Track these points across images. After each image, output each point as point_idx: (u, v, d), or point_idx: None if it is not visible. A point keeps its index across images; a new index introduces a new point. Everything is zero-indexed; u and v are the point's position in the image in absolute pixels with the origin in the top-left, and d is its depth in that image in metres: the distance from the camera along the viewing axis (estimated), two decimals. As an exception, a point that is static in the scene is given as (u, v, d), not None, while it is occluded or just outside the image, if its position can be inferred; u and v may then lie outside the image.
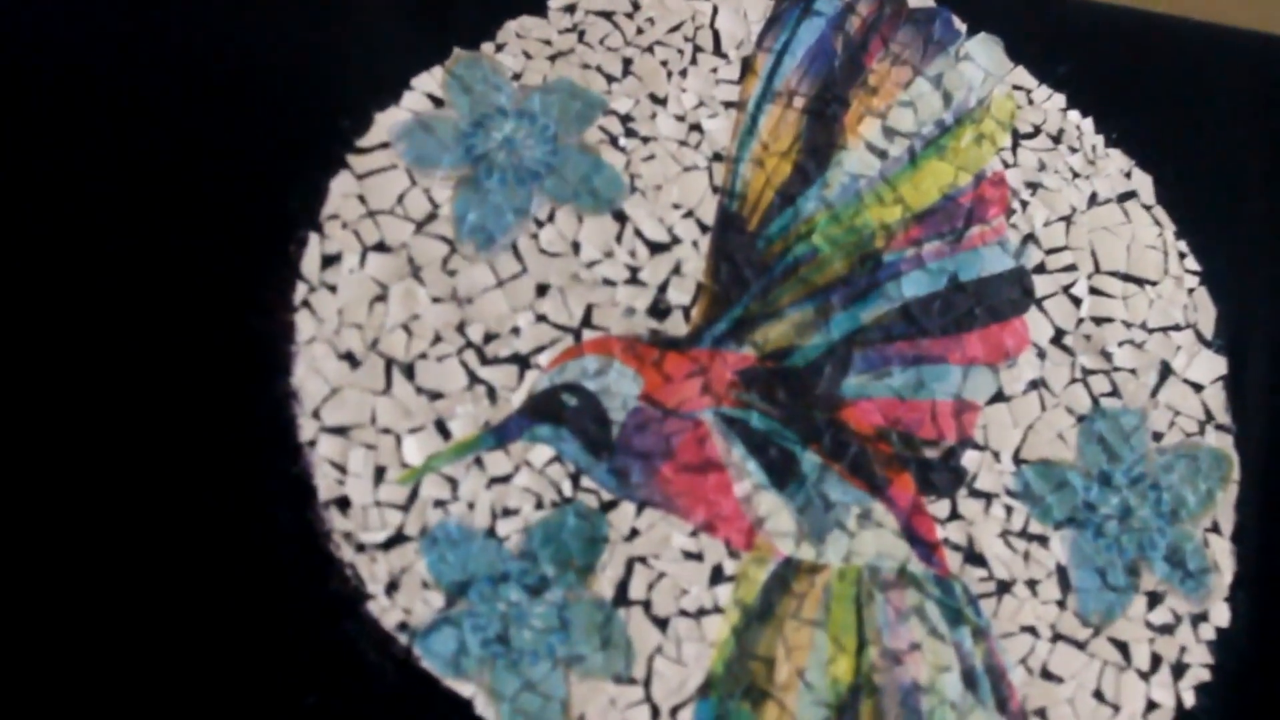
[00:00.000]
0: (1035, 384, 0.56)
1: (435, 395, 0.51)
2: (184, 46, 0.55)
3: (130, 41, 0.54)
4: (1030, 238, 0.57)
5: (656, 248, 0.54)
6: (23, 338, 0.50)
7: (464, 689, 0.48)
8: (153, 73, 0.54)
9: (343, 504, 0.49)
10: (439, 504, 0.50)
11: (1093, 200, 0.59)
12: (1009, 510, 0.53)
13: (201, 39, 0.55)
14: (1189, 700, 0.53)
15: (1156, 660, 0.53)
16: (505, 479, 0.50)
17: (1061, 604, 0.53)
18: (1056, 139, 0.59)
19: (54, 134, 0.53)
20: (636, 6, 0.58)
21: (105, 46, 0.54)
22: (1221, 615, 0.54)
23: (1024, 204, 0.58)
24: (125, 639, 0.47)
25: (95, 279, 0.51)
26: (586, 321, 0.53)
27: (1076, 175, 0.59)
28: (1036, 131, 0.59)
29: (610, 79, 0.57)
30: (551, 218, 0.53)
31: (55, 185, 0.52)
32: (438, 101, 0.54)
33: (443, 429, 0.50)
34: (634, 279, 0.54)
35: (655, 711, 0.49)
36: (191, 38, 0.55)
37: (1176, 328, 0.58)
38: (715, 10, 0.59)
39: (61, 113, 0.54)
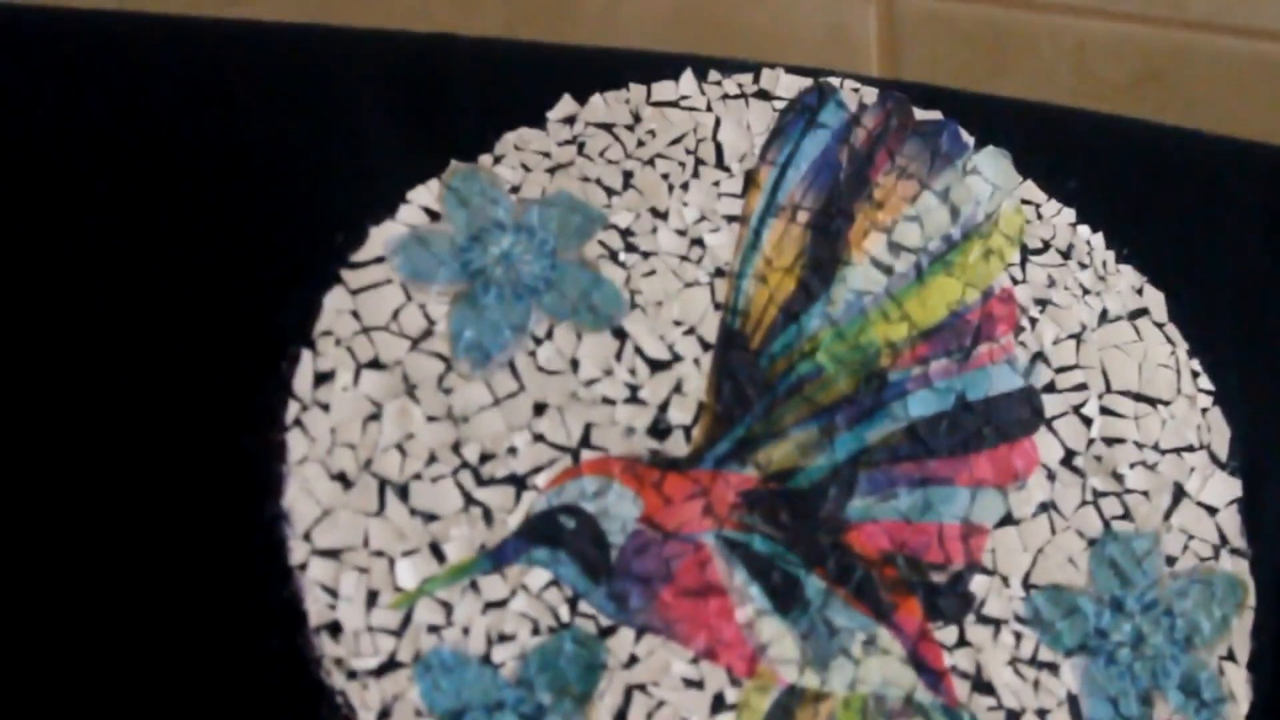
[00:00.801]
0: (1045, 506, 0.55)
1: (430, 517, 0.50)
2: (177, 158, 0.54)
3: (124, 151, 0.54)
4: (1039, 356, 0.56)
5: (657, 366, 0.53)
6: (10, 457, 0.49)
7: None
8: (145, 184, 0.54)
9: (334, 629, 0.48)
10: (433, 629, 0.48)
11: (1103, 317, 0.58)
12: (1018, 637, 0.52)
13: (194, 151, 0.55)
14: None
15: None
16: (501, 603, 0.49)
17: None
18: (1066, 254, 0.58)
19: (48, 241, 0.53)
20: (637, 119, 0.58)
21: (99, 155, 0.54)
22: None
23: (1033, 321, 0.57)
24: None
25: (84, 395, 0.50)
26: (585, 441, 0.52)
27: (1087, 292, 0.58)
28: (1046, 247, 0.58)
29: (610, 192, 0.56)
30: (550, 335, 0.53)
31: (47, 293, 0.52)
32: (434, 215, 0.54)
33: (437, 552, 0.49)
34: (634, 398, 0.53)
35: None
36: (184, 149, 0.55)
37: (1190, 449, 0.57)
38: (718, 122, 0.58)
39: (54, 222, 0.53)
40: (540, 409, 0.52)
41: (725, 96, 0.59)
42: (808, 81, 0.61)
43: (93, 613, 0.48)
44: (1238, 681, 0.53)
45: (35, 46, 0.56)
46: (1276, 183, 0.63)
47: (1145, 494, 0.55)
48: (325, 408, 0.50)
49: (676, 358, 0.53)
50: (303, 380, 0.50)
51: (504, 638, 0.49)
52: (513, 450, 0.51)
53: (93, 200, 0.53)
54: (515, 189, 0.55)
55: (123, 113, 0.55)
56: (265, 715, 0.48)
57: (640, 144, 0.57)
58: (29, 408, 0.50)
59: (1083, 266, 0.58)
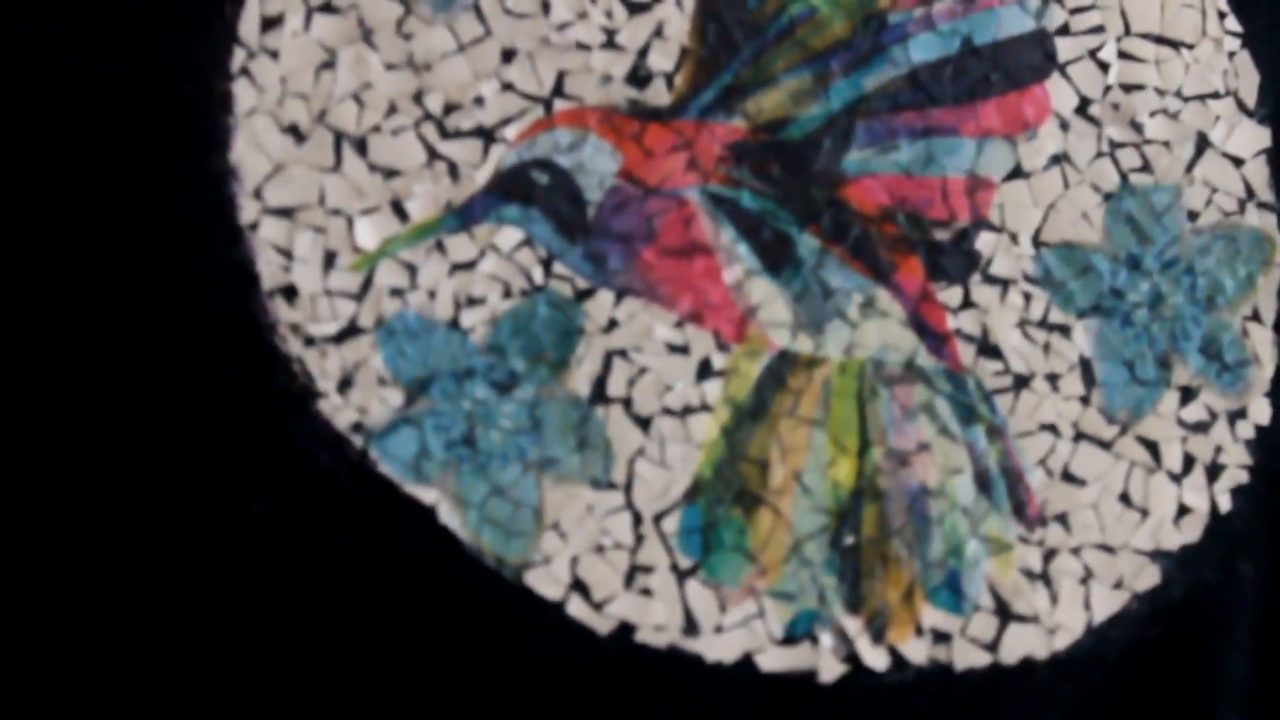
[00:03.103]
0: (1057, 158, 0.53)
1: (391, 172, 0.48)
2: None
3: None
4: None
5: (635, 7, 0.51)
6: None
7: (426, 495, 0.47)
8: None
9: (289, 293, 0.47)
10: (396, 292, 0.48)
11: None
12: (1027, 298, 0.52)
13: None
14: (1225, 504, 0.51)
15: (1190, 461, 0.52)
16: (469, 265, 0.49)
17: (1085, 400, 0.51)
18: None
19: None
20: None
21: None
22: (1262, 412, 0.52)
23: None
24: (61, 443, 0.46)
25: (25, 38, 0.48)
26: (558, 90, 0.50)
27: None
28: None
29: None
30: None
31: None
32: None
33: (399, 210, 0.48)
34: (611, 42, 0.51)
35: (637, 519, 0.48)
36: None
37: (1215, 95, 0.55)
38: None
39: None
40: (509, 55, 0.50)
41: None
42: None
43: (39, 273, 0.46)
44: (1263, 343, 0.53)
45: None
46: None
47: (1166, 144, 0.54)
48: (274, 55, 0.48)
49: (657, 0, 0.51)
50: (248, 24, 0.48)
51: (473, 301, 0.48)
52: (479, 100, 0.49)
53: None
54: None
55: None
56: (217, 384, 0.46)
57: None
58: None
59: None
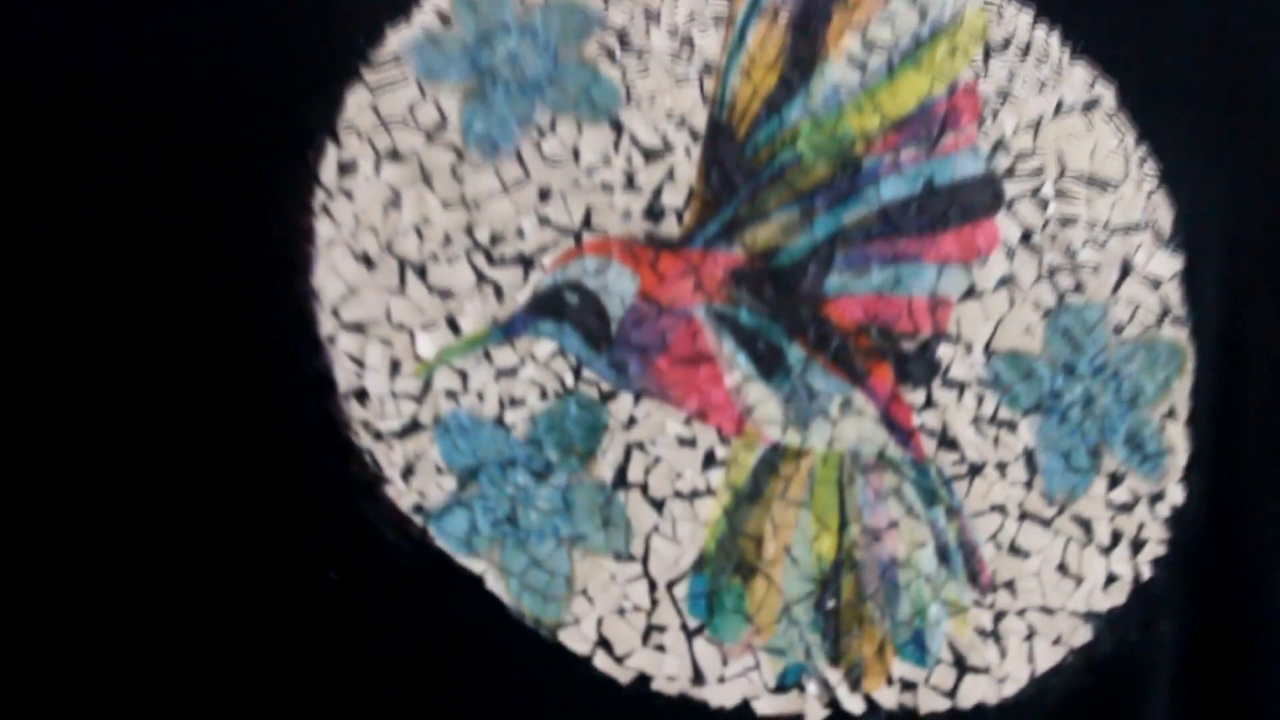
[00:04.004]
0: (1005, 280, 0.56)
1: (446, 294, 0.51)
2: None
3: None
4: (1000, 144, 0.57)
5: (651, 155, 0.54)
6: (50, 251, 0.50)
7: (475, 566, 0.50)
8: None
9: (361, 395, 0.50)
10: (450, 395, 0.51)
11: (1059, 109, 0.58)
12: (980, 398, 0.54)
13: None
14: (1146, 573, 0.55)
15: (1116, 536, 0.55)
16: (512, 371, 0.51)
17: (1028, 485, 0.54)
18: (1025, 51, 0.58)
19: (80, 48, 0.52)
20: None
21: None
22: (1177, 494, 0.56)
23: (994, 113, 0.58)
24: (164, 523, 0.48)
25: (127, 183, 0.51)
26: (586, 224, 0.53)
27: (1044, 85, 0.58)
28: (1006, 45, 0.58)
29: None
30: (553, 127, 0.53)
31: (88, 95, 0.52)
32: (445, 18, 0.54)
33: (453, 325, 0.51)
34: (630, 184, 0.54)
35: (653, 586, 0.51)
36: None
37: (1136, 228, 0.58)
38: None
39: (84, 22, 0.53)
40: (545, 194, 0.52)
41: None
42: None
43: (141, 383, 0.49)
44: (1177, 436, 0.55)
45: None
46: None
47: (1095, 269, 0.56)
48: (349, 195, 0.51)
49: (669, 147, 0.54)
50: (328, 170, 0.51)
51: (515, 402, 0.50)
52: (520, 232, 0.52)
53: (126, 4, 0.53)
54: None
55: None
56: (300, 473, 0.49)
57: None
58: (77, 197, 0.50)
59: (1040, 62, 0.58)
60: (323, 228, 0.52)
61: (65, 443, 0.49)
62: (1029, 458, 0.54)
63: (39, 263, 0.51)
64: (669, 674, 0.50)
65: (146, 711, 0.49)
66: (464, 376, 0.51)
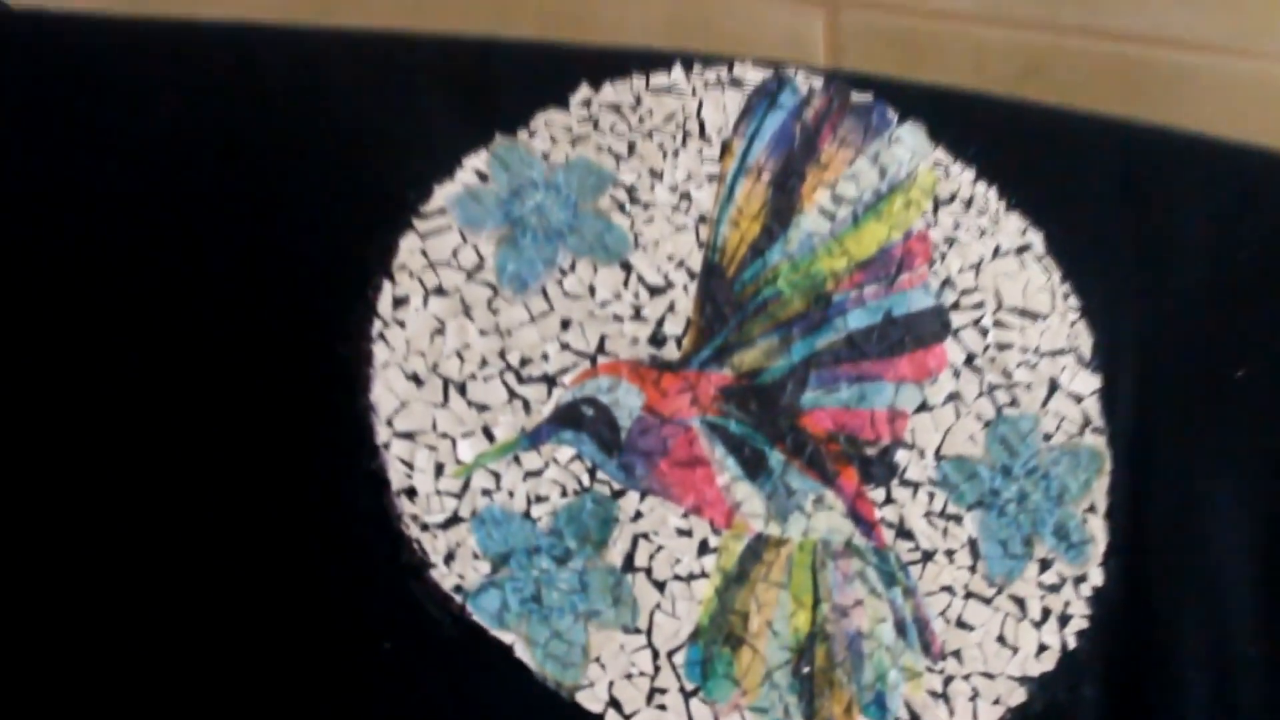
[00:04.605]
0: (952, 396, 0.58)
1: (482, 407, 0.54)
2: (293, 135, 0.58)
3: (243, 126, 0.58)
4: (948, 282, 0.60)
5: (655, 291, 0.57)
6: (159, 355, 0.53)
7: (506, 637, 0.51)
8: (270, 152, 0.58)
9: (410, 492, 0.52)
10: (485, 492, 0.53)
11: (996, 252, 0.61)
12: (931, 495, 0.56)
13: (304, 129, 0.58)
14: (1071, 643, 0.55)
15: (1046, 612, 0.55)
16: (537, 473, 0.53)
17: (972, 569, 0.55)
18: (968, 204, 0.62)
19: (169, 190, 0.56)
20: (639, 101, 0.61)
21: (230, 124, 0.58)
22: (1097, 576, 0.56)
23: (942, 255, 0.61)
24: (237, 600, 0.50)
25: (221, 315, 0.54)
26: (600, 349, 0.56)
27: (983, 232, 0.61)
28: (952, 198, 0.62)
29: (618, 158, 0.60)
30: (573, 267, 0.57)
31: (177, 231, 0.55)
32: (483, 176, 0.58)
33: (488, 434, 0.53)
34: (637, 315, 0.57)
35: (655, 654, 0.52)
36: (298, 129, 0.59)
37: (1062, 352, 0.60)
38: (700, 104, 0.62)
39: (178, 168, 0.56)
40: (566, 324, 0.56)
41: (706, 83, 0.62)
42: (769, 71, 0.63)
43: (226, 478, 0.52)
44: (1097, 528, 0.57)
45: (164, 52, 0.60)
46: (1128, 149, 0.66)
47: (1028, 386, 0.59)
48: (402, 324, 0.54)
49: (670, 285, 0.58)
50: (384, 303, 0.55)
51: (539, 498, 0.53)
52: (545, 356, 0.55)
53: (229, 159, 0.57)
54: (545, 155, 0.59)
55: (252, 98, 0.59)
56: (359, 559, 0.51)
57: (641, 120, 0.61)
58: (179, 318, 0.54)
59: (980, 213, 0.62)
60: (379, 352, 0.54)
61: (153, 529, 0.51)
62: (973, 546, 0.56)
63: (150, 375, 0.53)
64: (669, 730, 0.51)
65: None
66: (497, 477, 0.53)
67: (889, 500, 0.56)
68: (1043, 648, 0.55)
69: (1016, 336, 0.60)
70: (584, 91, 0.61)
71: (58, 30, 0.59)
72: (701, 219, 0.59)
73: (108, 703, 0.49)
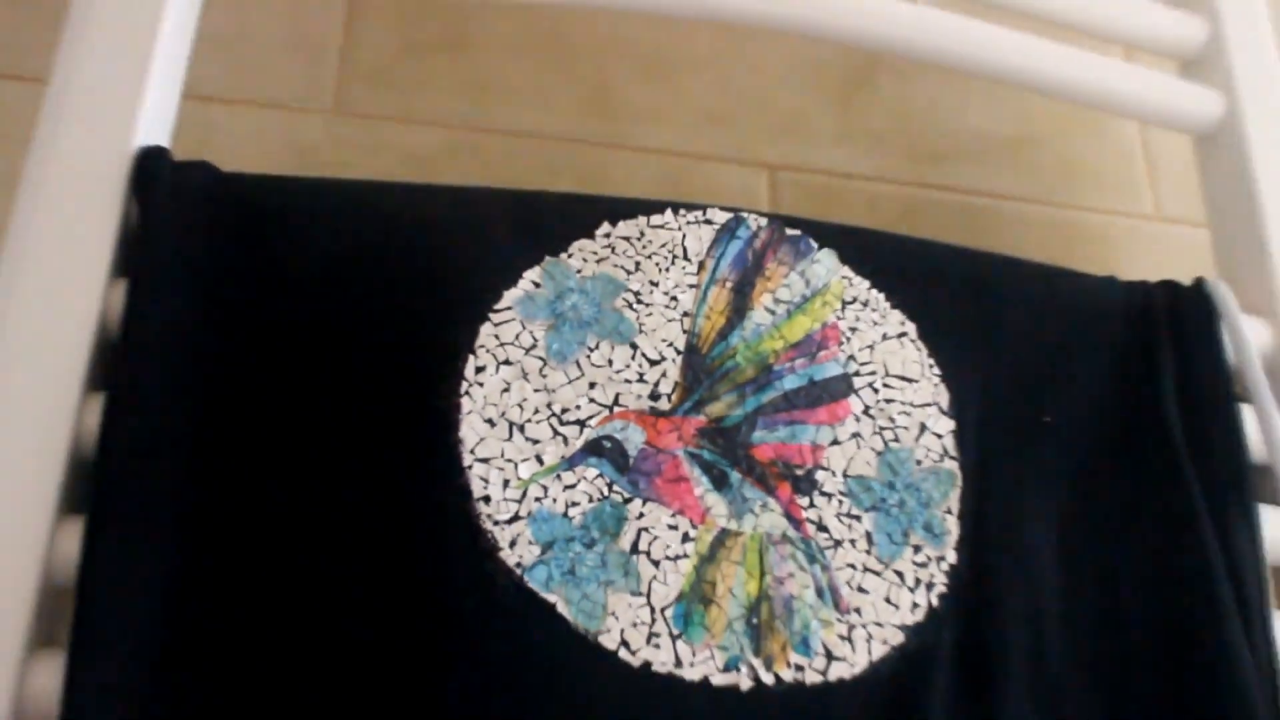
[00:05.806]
0: (854, 434, 0.66)
1: (535, 441, 0.61)
2: (406, 257, 0.65)
3: (376, 254, 0.64)
4: (851, 357, 0.68)
5: (654, 363, 0.65)
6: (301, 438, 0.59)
7: (550, 599, 0.57)
8: (391, 274, 0.64)
9: (486, 499, 0.59)
10: (537, 499, 0.60)
11: (884, 337, 0.70)
12: (841, 502, 0.64)
13: (416, 253, 0.65)
14: (935, 603, 0.63)
15: (918, 581, 0.63)
16: (573, 486, 0.61)
17: (868, 552, 0.63)
18: (865, 304, 0.70)
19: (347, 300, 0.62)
20: (642, 234, 0.70)
21: (359, 259, 0.64)
22: (953, 557, 0.64)
23: (848, 339, 0.69)
24: (362, 577, 0.56)
25: (352, 384, 0.61)
26: (615, 402, 0.63)
27: (875, 323, 0.70)
28: (854, 300, 0.70)
29: (628, 272, 0.68)
30: (597, 347, 0.65)
31: (338, 331, 0.62)
32: (536, 284, 0.66)
33: (539, 460, 0.61)
34: (641, 380, 0.65)
35: (653, 610, 0.58)
36: (411, 252, 0.65)
37: (929, 405, 0.69)
38: (684, 235, 0.70)
39: (334, 289, 0.63)
40: (592, 385, 0.64)
41: (688, 222, 0.71)
42: (731, 214, 0.71)
43: (363, 491, 0.59)
44: (952, 524, 0.65)
45: (327, 215, 0.66)
46: (974, 267, 0.75)
47: (906, 428, 0.67)
48: (480, 385, 0.62)
49: (663, 359, 0.66)
50: (469, 370, 0.63)
51: (574, 504, 0.60)
52: (578, 407, 0.63)
53: (369, 278, 0.64)
54: (579, 271, 0.67)
55: (380, 235, 0.66)
56: (449, 547, 0.58)
57: (644, 247, 0.69)
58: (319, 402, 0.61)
59: (874, 310, 0.70)
60: (465, 404, 0.62)
61: (305, 526, 0.57)
62: (869, 537, 0.63)
63: (319, 417, 0.60)
64: (661, 661, 0.58)
65: None
66: (545, 489, 0.60)
67: (812, 505, 0.64)
68: (915, 605, 0.62)
69: (898, 394, 0.68)
70: (605, 227, 0.69)
71: (225, 181, 0.65)
72: (685, 314, 0.67)
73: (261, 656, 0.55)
